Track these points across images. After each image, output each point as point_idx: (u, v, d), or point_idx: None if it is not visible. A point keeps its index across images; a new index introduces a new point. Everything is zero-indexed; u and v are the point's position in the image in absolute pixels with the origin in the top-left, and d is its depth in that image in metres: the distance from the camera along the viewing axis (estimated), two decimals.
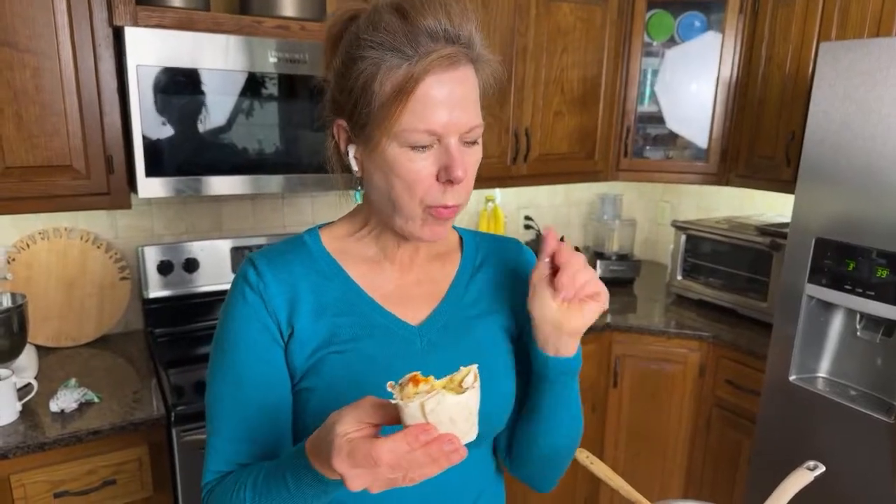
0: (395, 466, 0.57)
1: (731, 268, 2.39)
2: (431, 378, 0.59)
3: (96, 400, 1.57)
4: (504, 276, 0.92)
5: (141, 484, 1.54)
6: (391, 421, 0.60)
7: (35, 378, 1.62)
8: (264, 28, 1.72)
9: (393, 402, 0.58)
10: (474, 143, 0.76)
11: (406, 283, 0.86)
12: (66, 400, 1.52)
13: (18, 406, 1.49)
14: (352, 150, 0.78)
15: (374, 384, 0.74)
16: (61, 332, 1.91)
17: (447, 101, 0.71)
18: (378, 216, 0.82)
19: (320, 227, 0.88)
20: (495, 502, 0.94)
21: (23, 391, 1.55)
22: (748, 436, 2.06)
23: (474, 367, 0.60)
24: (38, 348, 1.85)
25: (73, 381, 1.60)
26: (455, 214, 0.78)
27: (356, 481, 0.58)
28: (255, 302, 0.79)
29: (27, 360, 1.71)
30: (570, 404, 0.86)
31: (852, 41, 1.60)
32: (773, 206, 2.62)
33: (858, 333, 1.72)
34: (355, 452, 0.57)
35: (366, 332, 0.81)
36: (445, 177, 0.73)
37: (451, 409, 0.57)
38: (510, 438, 0.90)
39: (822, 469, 0.98)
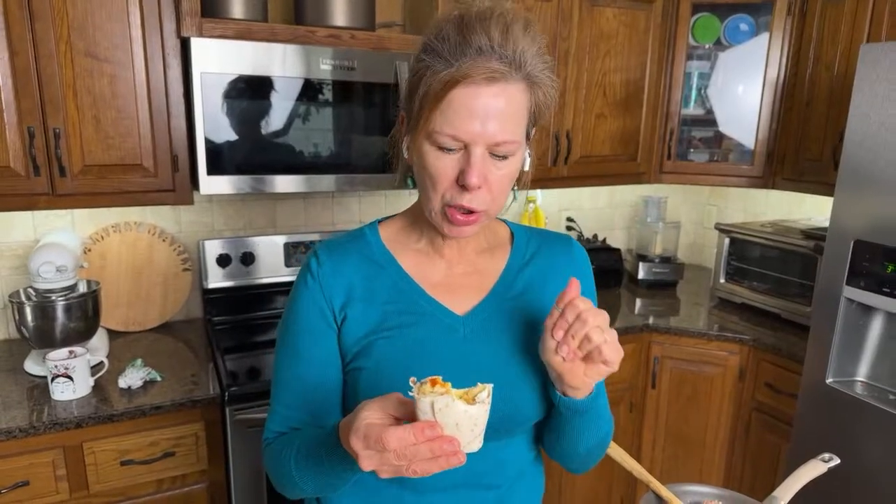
0: (400, 455, 0.63)
1: (776, 271, 2.37)
2: (449, 385, 0.65)
3: (159, 379, 1.71)
4: (552, 271, 0.95)
5: (197, 457, 1.67)
6: (410, 417, 0.66)
7: (106, 357, 1.78)
8: (317, 37, 1.83)
9: (410, 394, 0.65)
10: (505, 157, 0.79)
11: (454, 274, 0.92)
12: (132, 378, 1.67)
13: (91, 381, 1.65)
14: (406, 141, 0.85)
15: (418, 367, 0.84)
16: (129, 317, 2.08)
17: (480, 113, 0.76)
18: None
19: (381, 220, 0.96)
20: (534, 485, 0.99)
21: (95, 368, 1.70)
22: (787, 440, 2.04)
23: (489, 386, 0.66)
24: (109, 332, 2.03)
25: (139, 361, 1.75)
26: (477, 221, 0.82)
27: (366, 461, 0.66)
28: (314, 289, 0.88)
29: (99, 342, 1.88)
30: (585, 429, 0.88)
31: (892, 42, 1.58)
32: (823, 210, 2.57)
33: None
34: (369, 435, 0.65)
35: (412, 320, 0.87)
36: (462, 180, 0.78)
37: (459, 414, 0.64)
38: (542, 430, 0.95)
39: (836, 461, 1.01)
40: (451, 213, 0.81)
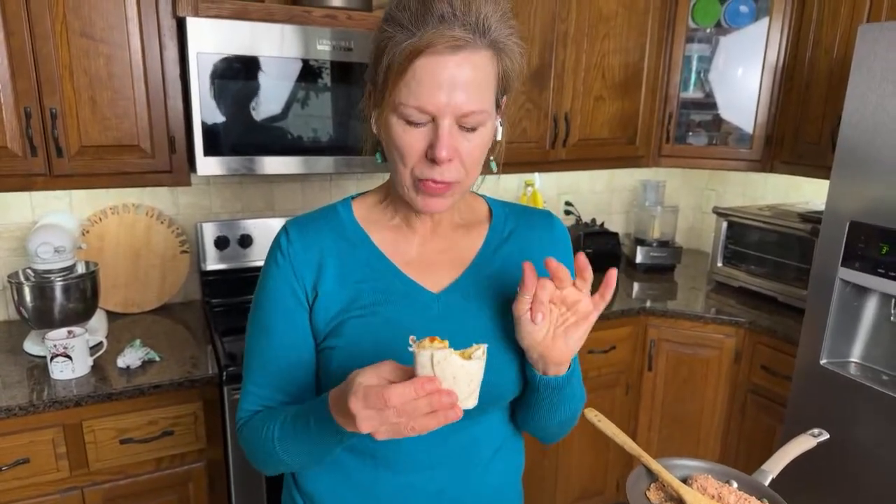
0: (401, 411, 0.64)
1: (773, 255, 2.37)
2: (447, 342, 0.67)
3: (157, 359, 1.73)
4: (532, 247, 0.93)
5: (195, 436, 1.69)
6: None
7: (105, 338, 1.79)
8: (313, 17, 1.83)
9: (410, 349, 0.67)
10: (474, 129, 0.77)
11: (429, 251, 0.90)
12: (131, 357, 1.68)
13: (90, 361, 1.66)
14: (374, 114, 0.83)
15: (391, 346, 0.83)
16: (128, 299, 2.09)
17: (446, 84, 0.73)
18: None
19: (354, 196, 0.94)
20: (512, 461, 0.99)
21: (94, 349, 1.72)
22: (782, 421, 2.06)
23: (484, 346, 0.68)
24: (108, 313, 2.04)
25: (137, 341, 1.76)
26: (450, 191, 0.80)
27: (366, 423, 0.66)
28: (284, 267, 0.87)
29: (98, 322, 1.89)
30: (560, 404, 0.88)
31: (891, 22, 1.58)
32: (821, 194, 2.56)
33: (892, 318, 1.71)
34: (369, 395, 0.65)
35: (385, 298, 0.86)
36: (430, 154, 0.76)
37: (456, 368, 0.66)
38: (515, 406, 0.95)
39: (825, 436, 1.01)
40: (423, 184, 0.79)
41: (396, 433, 0.66)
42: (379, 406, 0.64)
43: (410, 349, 0.67)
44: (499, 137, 0.86)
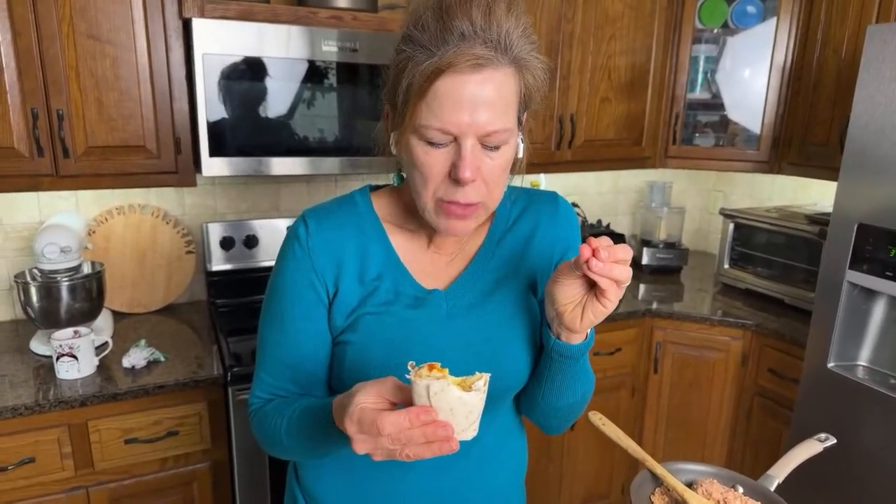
0: (395, 439, 0.64)
1: (780, 257, 2.36)
2: (446, 371, 0.66)
3: (163, 359, 1.73)
4: (537, 229, 0.93)
5: (200, 436, 1.69)
6: (406, 402, 0.66)
7: (110, 338, 1.79)
8: (319, 18, 1.83)
9: (407, 377, 0.66)
10: (497, 147, 0.76)
11: (442, 256, 0.91)
12: (136, 357, 1.69)
13: (96, 361, 1.66)
14: (393, 136, 0.82)
15: (403, 345, 0.84)
16: (134, 299, 2.10)
17: (468, 103, 0.72)
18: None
19: (372, 188, 0.93)
20: (517, 454, 1.00)
21: (100, 349, 1.72)
22: (789, 425, 2.04)
23: (486, 375, 0.67)
24: (114, 313, 2.04)
25: (143, 341, 1.76)
26: (474, 213, 0.80)
27: (360, 445, 0.66)
28: (303, 259, 0.86)
29: (104, 322, 1.90)
30: (572, 379, 0.87)
31: None
32: (829, 196, 2.55)
33: None
34: (364, 419, 0.65)
35: (397, 297, 0.87)
36: (454, 174, 0.75)
37: (453, 400, 0.64)
38: (521, 396, 0.95)
39: (832, 441, 1.00)
40: (447, 206, 0.78)
41: (391, 457, 0.66)
42: (372, 433, 0.64)
43: (408, 376, 0.65)
44: (520, 154, 0.85)
